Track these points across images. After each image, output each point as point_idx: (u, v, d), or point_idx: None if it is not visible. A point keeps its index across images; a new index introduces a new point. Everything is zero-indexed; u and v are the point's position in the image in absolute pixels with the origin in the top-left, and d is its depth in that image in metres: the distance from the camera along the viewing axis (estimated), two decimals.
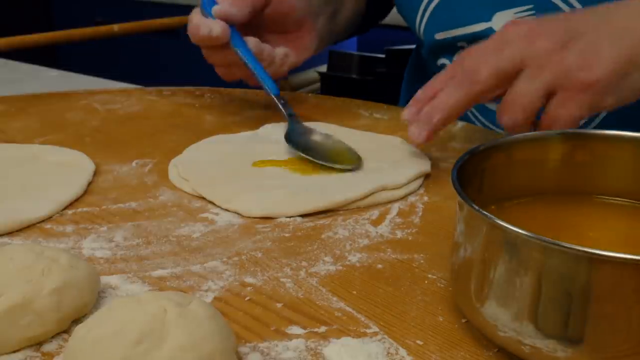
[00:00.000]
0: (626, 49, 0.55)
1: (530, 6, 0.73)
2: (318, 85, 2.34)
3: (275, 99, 0.71)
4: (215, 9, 0.72)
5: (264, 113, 0.81)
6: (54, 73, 1.15)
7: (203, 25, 0.71)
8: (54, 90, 0.90)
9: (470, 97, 0.58)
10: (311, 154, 0.63)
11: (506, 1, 0.74)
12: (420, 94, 0.62)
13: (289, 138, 0.66)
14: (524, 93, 0.56)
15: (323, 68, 2.36)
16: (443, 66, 0.81)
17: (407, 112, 0.63)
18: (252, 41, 0.72)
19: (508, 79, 0.57)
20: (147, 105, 0.84)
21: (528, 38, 0.57)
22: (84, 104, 0.84)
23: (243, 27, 0.75)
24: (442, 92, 0.59)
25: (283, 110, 0.70)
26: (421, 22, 0.81)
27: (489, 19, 0.75)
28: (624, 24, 0.56)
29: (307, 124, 0.74)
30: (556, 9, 0.71)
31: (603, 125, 0.48)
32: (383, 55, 2.12)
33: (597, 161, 0.47)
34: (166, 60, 2.29)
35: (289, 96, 0.89)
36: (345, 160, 0.63)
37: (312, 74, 2.38)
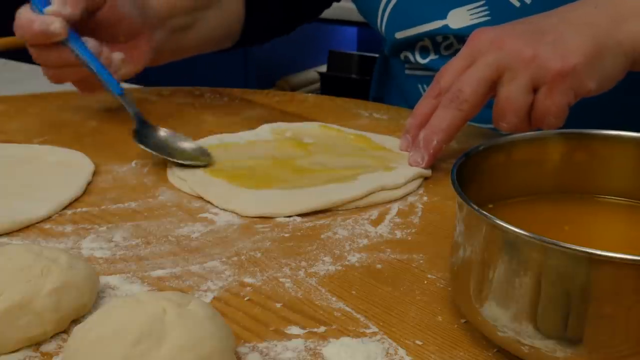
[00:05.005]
0: (592, 37, 0.56)
1: (483, 2, 0.74)
2: (318, 85, 2.34)
3: (120, 98, 0.69)
4: (49, 7, 0.67)
5: (263, 113, 0.81)
6: None
7: (39, 21, 0.66)
8: (54, 90, 0.90)
9: (462, 116, 0.59)
10: (161, 152, 0.64)
11: None
12: (410, 121, 0.64)
13: (139, 137, 0.66)
14: (511, 97, 0.57)
15: (323, 68, 2.36)
16: (406, 59, 0.83)
17: (403, 143, 0.65)
18: (91, 42, 0.70)
19: (491, 87, 0.58)
20: (147, 105, 0.84)
21: (496, 43, 0.58)
22: (83, 104, 0.84)
23: (76, 30, 0.71)
24: (435, 116, 0.61)
25: (129, 110, 0.69)
26: (381, 23, 0.83)
27: (444, 17, 0.76)
28: (582, 20, 0.58)
29: (306, 123, 0.74)
30: (507, 3, 0.72)
31: (605, 124, 0.48)
32: None
33: (597, 161, 0.47)
34: None
35: (288, 96, 0.88)
36: (190, 157, 0.64)
37: (312, 74, 2.38)
